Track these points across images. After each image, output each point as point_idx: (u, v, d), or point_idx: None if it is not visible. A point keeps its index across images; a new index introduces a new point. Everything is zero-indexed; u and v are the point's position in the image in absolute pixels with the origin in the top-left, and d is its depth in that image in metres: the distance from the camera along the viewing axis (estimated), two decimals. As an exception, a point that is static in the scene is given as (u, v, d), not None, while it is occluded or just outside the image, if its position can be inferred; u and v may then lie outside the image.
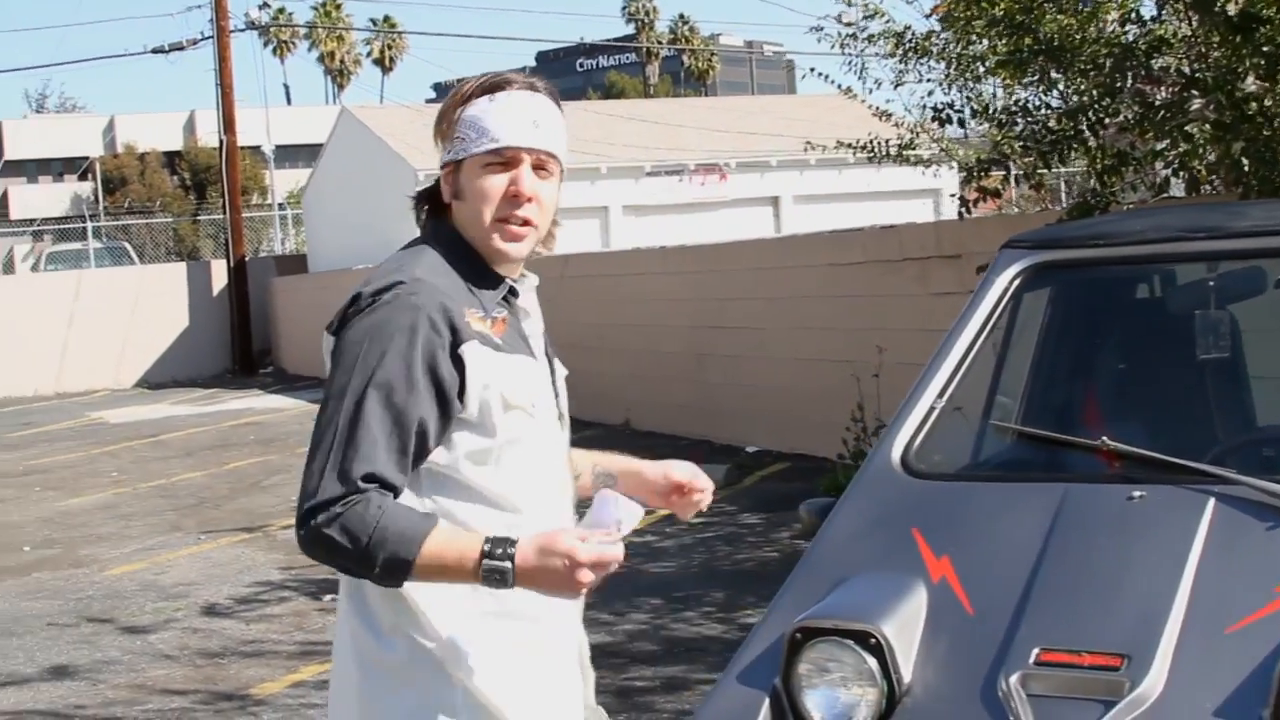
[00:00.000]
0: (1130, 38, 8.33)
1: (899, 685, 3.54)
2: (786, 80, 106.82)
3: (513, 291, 3.07)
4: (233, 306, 32.09)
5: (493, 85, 3.02)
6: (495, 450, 2.96)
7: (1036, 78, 9.23)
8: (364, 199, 32.67)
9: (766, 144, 33.00)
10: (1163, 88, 8.44)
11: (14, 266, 44.21)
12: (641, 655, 7.86)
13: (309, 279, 33.48)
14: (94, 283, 32.76)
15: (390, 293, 2.91)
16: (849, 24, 10.47)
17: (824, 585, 3.84)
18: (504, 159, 2.98)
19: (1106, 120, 8.43)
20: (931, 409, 4.25)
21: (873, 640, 3.55)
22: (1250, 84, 7.59)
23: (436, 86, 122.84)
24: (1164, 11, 8.67)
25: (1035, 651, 3.44)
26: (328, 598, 9.96)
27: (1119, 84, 8.21)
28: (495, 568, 2.79)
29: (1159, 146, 8.54)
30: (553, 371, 3.20)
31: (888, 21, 10.09)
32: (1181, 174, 8.77)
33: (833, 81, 11.49)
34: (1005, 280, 4.51)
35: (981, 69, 9.47)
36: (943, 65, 9.84)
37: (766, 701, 3.61)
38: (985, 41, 9.13)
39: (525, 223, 3.01)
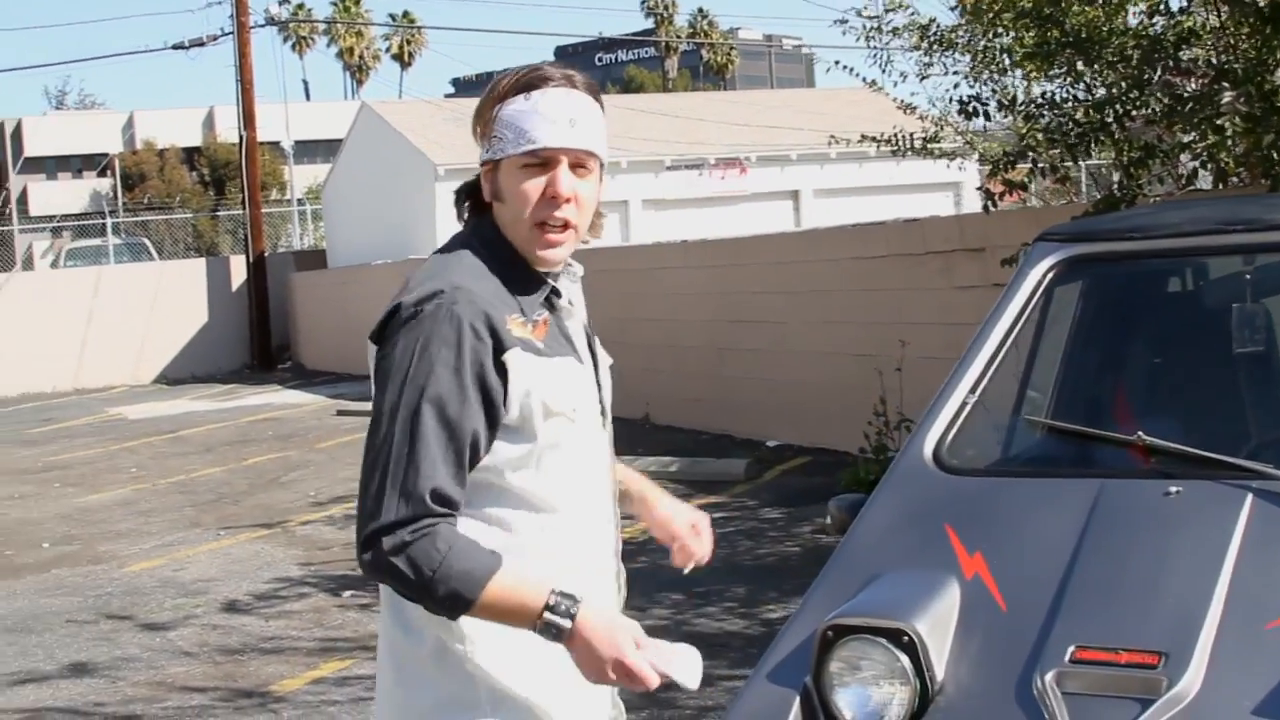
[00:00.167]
0: (1158, 29, 8.26)
1: (932, 683, 3.48)
2: (805, 74, 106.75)
3: (555, 292, 3.03)
4: (251, 302, 32.09)
5: (529, 83, 2.97)
6: (535, 455, 2.93)
7: (1064, 70, 9.15)
8: (383, 194, 32.65)
9: (787, 138, 32.91)
10: (1192, 79, 8.37)
11: (34, 263, 44.22)
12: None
13: (328, 274, 33.48)
14: (113, 279, 32.77)
15: (432, 303, 2.86)
16: (872, 17, 10.40)
17: (855, 582, 3.78)
18: (541, 160, 2.93)
19: (1134, 113, 8.35)
20: (964, 404, 4.20)
21: (905, 638, 3.49)
22: (1280, 76, 7.52)
23: (455, 82, 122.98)
24: (1192, 3, 8.59)
25: (1071, 649, 3.39)
26: (347, 594, 9.93)
27: (1148, 76, 8.14)
28: (554, 623, 2.80)
29: (1187, 139, 8.47)
30: (596, 366, 3.15)
31: (913, 14, 10.02)
32: (1209, 166, 8.69)
33: (857, 74, 11.42)
34: (1039, 273, 4.45)
35: (1008, 61, 9.39)
36: (968, 58, 9.76)
37: (797, 700, 3.57)
38: (1012, 34, 9.05)
39: (565, 225, 2.96)
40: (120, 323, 31.54)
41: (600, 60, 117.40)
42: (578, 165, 2.96)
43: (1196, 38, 8.09)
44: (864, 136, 10.97)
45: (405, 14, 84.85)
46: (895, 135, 10.82)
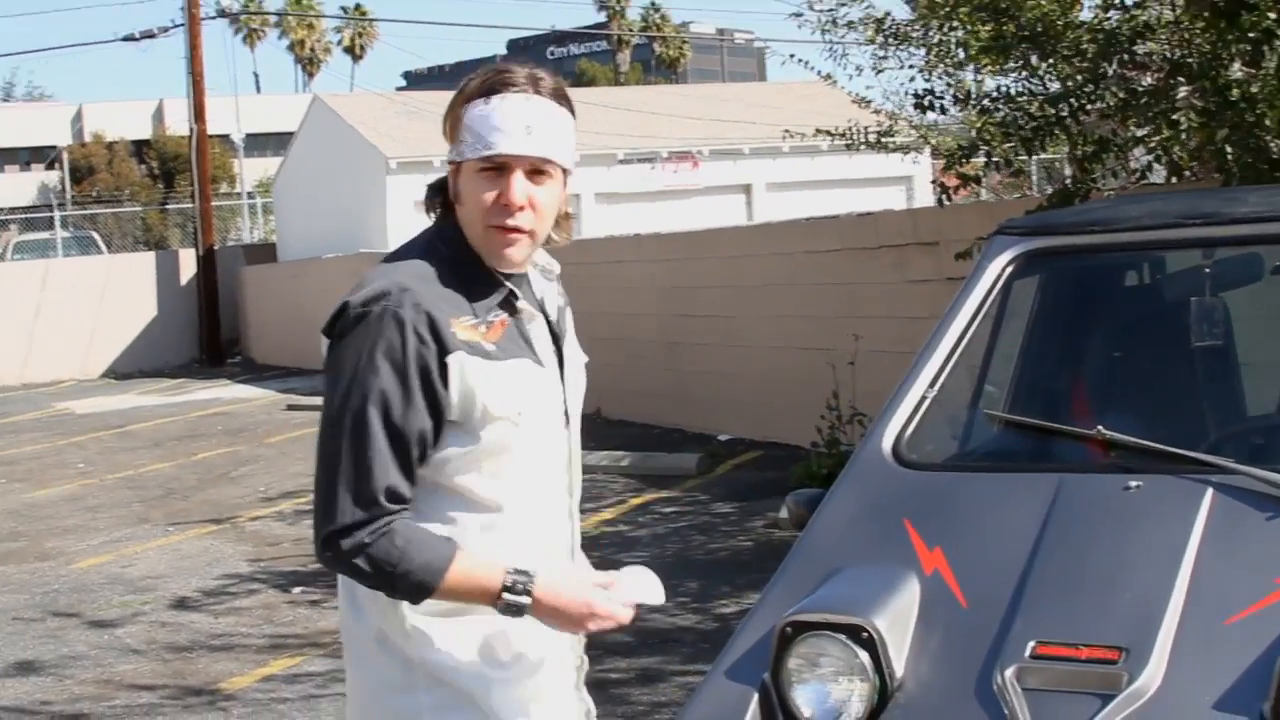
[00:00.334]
0: (1113, 23, 8.25)
1: (891, 680, 3.46)
2: (757, 68, 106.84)
3: (513, 294, 3.04)
4: (201, 296, 31.90)
5: (492, 86, 2.99)
6: (478, 456, 2.97)
7: (1019, 64, 9.15)
8: (335, 187, 32.52)
9: (739, 131, 32.94)
10: (1147, 74, 8.37)
11: (-20, 256, 43.92)
12: (616, 647, 7.74)
13: (278, 268, 33.35)
14: (61, 272, 32.57)
15: (379, 304, 2.91)
16: (828, 10, 10.36)
17: (814, 578, 3.75)
18: (497, 165, 2.96)
19: (1088, 107, 8.35)
20: (923, 398, 4.16)
21: (864, 634, 3.47)
22: (1236, 70, 7.51)
23: (407, 75, 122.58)
24: (1146, -3, 8.59)
25: (1031, 644, 3.36)
26: (297, 590, 9.87)
27: (1103, 70, 8.14)
28: (514, 602, 2.91)
29: (1141, 133, 8.47)
30: (563, 367, 3.16)
31: (868, 7, 9.99)
32: (1163, 161, 8.70)
33: (813, 68, 11.38)
34: (998, 267, 4.42)
35: (962, 55, 9.38)
36: (923, 52, 9.74)
37: (755, 697, 3.53)
38: (967, 28, 9.03)
39: (516, 231, 2.99)
40: (68, 316, 31.33)
41: (552, 54, 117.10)
42: (535, 171, 2.98)
43: (1151, 32, 8.09)
44: (819, 130, 10.93)
45: (357, 6, 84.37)
46: (850, 129, 10.79)
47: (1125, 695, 3.20)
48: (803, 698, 3.49)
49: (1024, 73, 9.39)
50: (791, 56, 11.48)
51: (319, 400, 3.01)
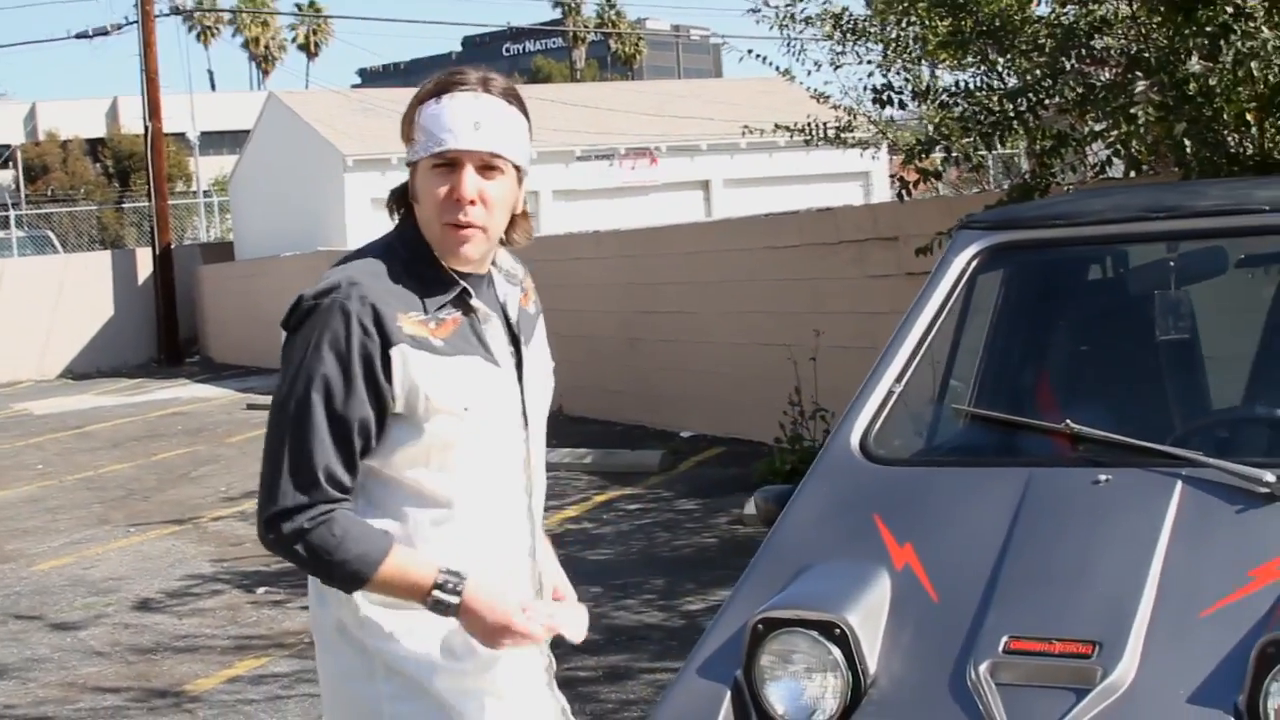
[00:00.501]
0: (1070, 18, 8.26)
1: (864, 676, 3.47)
2: (713, 64, 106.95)
3: (466, 292, 3.08)
4: (158, 295, 31.73)
5: (444, 86, 3.06)
6: (428, 451, 3.04)
7: (977, 59, 9.16)
8: (292, 185, 32.41)
9: (696, 128, 32.97)
10: (1105, 69, 8.39)
11: (-66, 256, 43.60)
12: (584, 645, 7.71)
13: (236, 266, 33.21)
14: (16, 272, 32.37)
15: (328, 297, 2.99)
16: (784, 5, 10.35)
17: (785, 574, 3.75)
18: (448, 161, 3.03)
19: (1047, 101, 8.36)
20: (890, 393, 4.17)
21: (837, 630, 3.47)
22: (1194, 64, 7.53)
23: (362, 72, 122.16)
24: (1103, -10, 8.60)
25: (1004, 639, 3.38)
26: (261, 590, 9.83)
27: (1061, 65, 8.15)
28: (443, 600, 2.97)
29: (1099, 127, 8.49)
30: (520, 368, 3.19)
31: (825, 3, 9.99)
32: (1122, 155, 8.72)
33: (771, 63, 11.39)
34: (963, 261, 4.43)
35: (919, 51, 9.39)
36: (881, 47, 9.75)
37: (728, 695, 3.54)
38: (925, 23, 9.05)
39: (469, 227, 3.04)
40: (24, 317, 31.14)
41: (508, 50, 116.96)
42: (486, 167, 3.04)
43: (1109, 27, 8.09)
44: (778, 126, 10.94)
45: (311, 3, 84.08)
46: (809, 125, 10.80)
47: (1100, 690, 3.22)
48: (776, 695, 3.49)
49: (982, 68, 9.40)
50: (750, 52, 11.46)
51: (277, 398, 3.08)
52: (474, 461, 3.07)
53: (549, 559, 3.38)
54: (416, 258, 3.07)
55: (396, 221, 3.19)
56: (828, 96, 11.41)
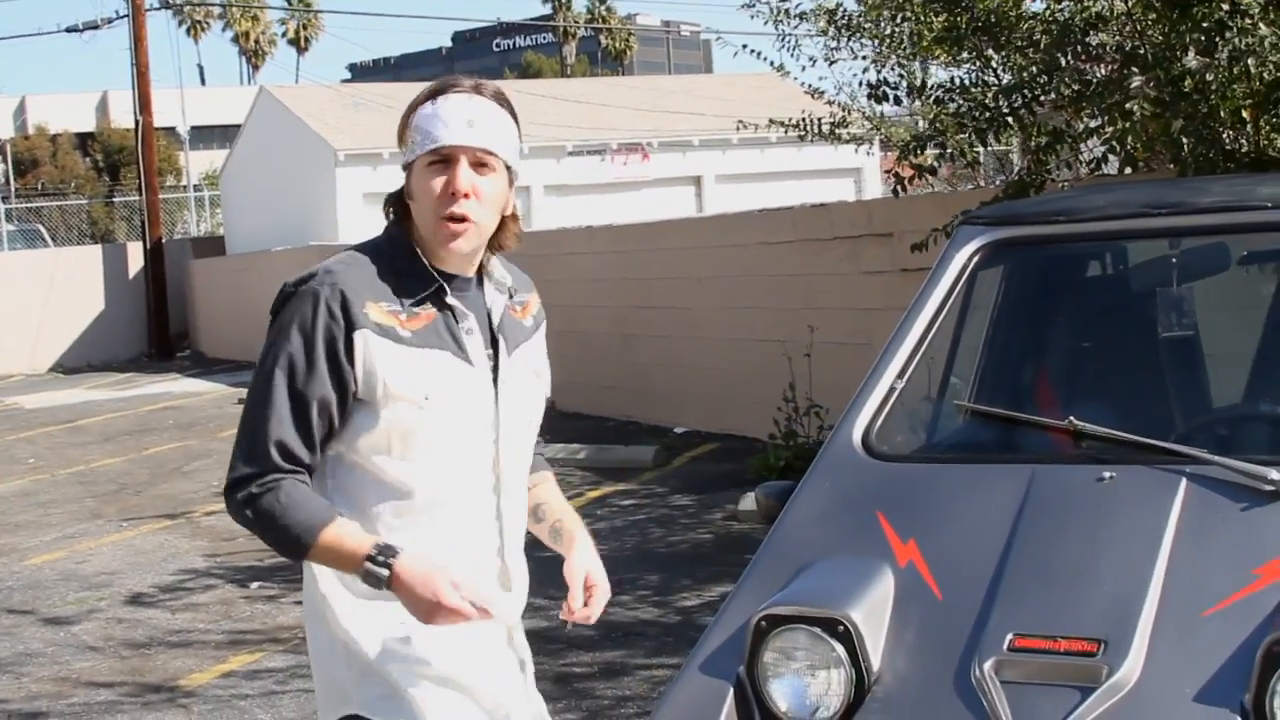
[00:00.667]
0: (1066, 14, 8.26)
1: (868, 673, 3.46)
2: (704, 60, 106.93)
3: (443, 289, 3.17)
4: (149, 289, 31.67)
5: (438, 90, 3.19)
6: (389, 437, 3.13)
7: (972, 55, 9.16)
8: (283, 180, 32.36)
9: (689, 123, 32.96)
10: (1101, 65, 8.38)
11: (-76, 250, 43.51)
12: (579, 641, 7.73)
13: (227, 261, 33.16)
14: (7, 266, 32.30)
15: (305, 285, 3.13)
16: (778, 2, 10.34)
17: (787, 571, 3.75)
18: (443, 157, 3.13)
19: (1042, 98, 8.36)
20: (892, 389, 4.16)
21: (840, 627, 3.46)
22: (1190, 59, 7.53)
23: (352, 67, 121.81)
24: (1099, -14, 8.60)
25: (1009, 637, 3.37)
26: (254, 585, 9.81)
27: (1057, 61, 8.15)
28: (373, 572, 3.03)
29: (1094, 124, 8.49)
30: (496, 370, 3.23)
31: (819, -2, 9.98)
32: (1118, 151, 8.72)
33: (766, 59, 11.38)
34: (964, 257, 4.42)
35: (912, 47, 9.38)
36: (875, 43, 9.74)
37: (731, 692, 3.53)
38: (920, 19, 9.04)
39: (464, 220, 3.13)
40: (15, 311, 31.09)
41: (498, 46, 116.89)
42: (479, 164, 3.14)
43: (1104, 23, 8.10)
44: (772, 121, 10.94)
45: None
46: (803, 120, 10.79)
47: (1105, 688, 3.21)
48: (779, 691, 3.48)
49: (977, 64, 9.40)
50: (745, 47, 11.49)
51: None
52: (436, 453, 3.14)
53: (584, 549, 3.47)
54: (400, 255, 3.18)
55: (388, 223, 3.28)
56: (822, 92, 11.41)
